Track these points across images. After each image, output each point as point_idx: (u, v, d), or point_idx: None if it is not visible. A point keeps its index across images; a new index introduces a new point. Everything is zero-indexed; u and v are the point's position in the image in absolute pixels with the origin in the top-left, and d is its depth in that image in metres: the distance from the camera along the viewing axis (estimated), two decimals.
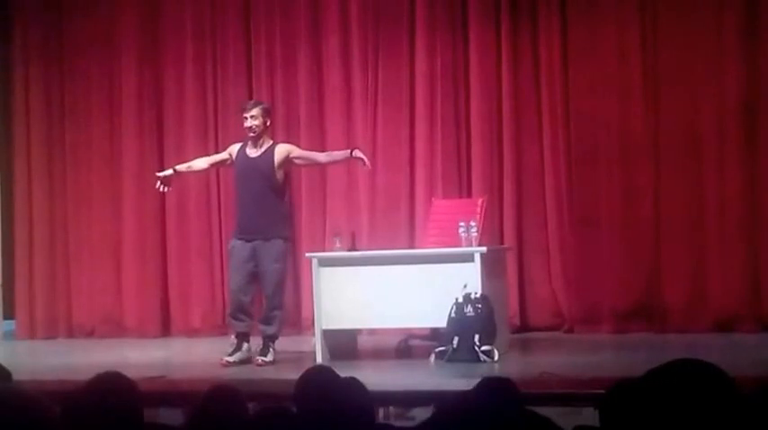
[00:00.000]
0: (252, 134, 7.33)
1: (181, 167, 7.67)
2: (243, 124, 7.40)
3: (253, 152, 7.34)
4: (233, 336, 7.39)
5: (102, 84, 9.86)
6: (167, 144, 9.70)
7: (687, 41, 8.44)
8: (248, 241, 7.28)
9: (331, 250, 7.61)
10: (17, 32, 10.09)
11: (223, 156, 7.66)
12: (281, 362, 7.23)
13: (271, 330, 7.28)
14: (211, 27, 9.65)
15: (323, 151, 8.11)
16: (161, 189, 7.59)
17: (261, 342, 7.29)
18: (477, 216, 7.46)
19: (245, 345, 7.31)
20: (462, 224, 7.18)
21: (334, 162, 7.89)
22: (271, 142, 7.42)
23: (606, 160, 8.61)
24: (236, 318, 7.35)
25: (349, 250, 7.49)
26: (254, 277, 7.34)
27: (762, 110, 8.28)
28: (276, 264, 7.24)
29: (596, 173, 8.63)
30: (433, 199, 8.46)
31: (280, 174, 7.33)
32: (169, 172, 7.58)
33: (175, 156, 9.62)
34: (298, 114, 9.37)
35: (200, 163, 7.77)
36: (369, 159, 8.36)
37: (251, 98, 9.28)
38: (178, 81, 9.69)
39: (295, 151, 7.48)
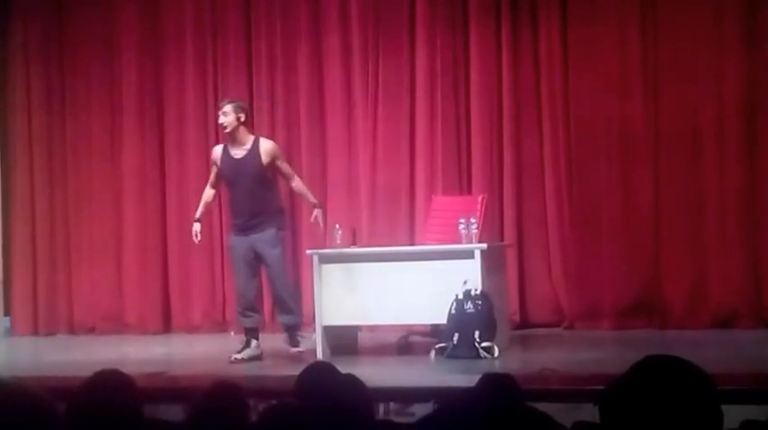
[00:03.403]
0: (224, 131, 7.30)
1: (200, 212, 7.53)
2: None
3: (237, 152, 7.25)
4: (232, 333, 7.36)
5: (102, 80, 9.87)
6: (168, 140, 9.71)
7: (688, 38, 8.41)
8: (246, 236, 7.28)
9: (331, 246, 7.58)
10: (17, 29, 10.09)
11: (214, 170, 7.47)
12: (281, 358, 7.22)
13: (293, 319, 7.29)
14: (212, 24, 9.64)
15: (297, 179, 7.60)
16: (197, 239, 7.51)
17: (287, 334, 7.30)
18: (478, 213, 7.46)
19: (254, 342, 7.27)
20: (462, 221, 7.17)
21: (301, 195, 7.68)
22: (252, 139, 7.31)
23: (606, 157, 8.60)
24: (244, 315, 7.33)
25: (349, 247, 7.49)
26: (257, 271, 7.36)
27: (762, 107, 8.26)
28: (275, 249, 7.24)
29: (596, 170, 8.62)
30: (433, 195, 8.46)
31: (269, 172, 7.31)
32: (197, 226, 7.46)
33: (176, 152, 9.65)
34: (298, 112, 9.36)
35: (209, 194, 7.55)
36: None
37: (251, 95, 9.30)
38: (178, 78, 9.69)
39: (279, 160, 7.36)
